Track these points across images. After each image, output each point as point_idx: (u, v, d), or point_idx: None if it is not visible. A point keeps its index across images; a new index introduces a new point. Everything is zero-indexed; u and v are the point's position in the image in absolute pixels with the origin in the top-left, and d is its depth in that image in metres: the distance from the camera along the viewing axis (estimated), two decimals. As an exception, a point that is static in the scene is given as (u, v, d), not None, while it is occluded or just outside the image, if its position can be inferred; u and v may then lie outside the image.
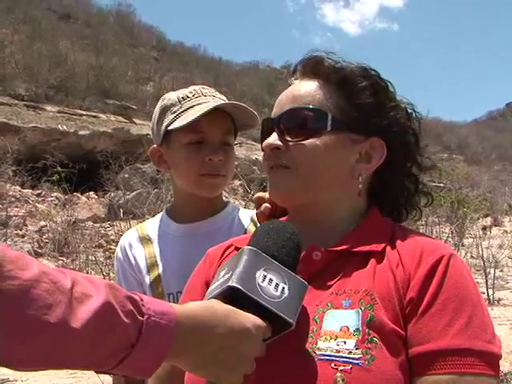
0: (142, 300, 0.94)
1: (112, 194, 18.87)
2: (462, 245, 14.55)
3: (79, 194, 20.30)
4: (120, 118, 29.95)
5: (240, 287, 1.03)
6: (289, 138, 1.29)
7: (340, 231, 1.29)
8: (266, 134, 1.35)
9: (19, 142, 22.28)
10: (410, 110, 1.38)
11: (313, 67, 1.35)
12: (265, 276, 1.06)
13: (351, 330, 1.09)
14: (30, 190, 19.68)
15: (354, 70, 1.33)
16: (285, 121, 1.30)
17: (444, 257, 1.16)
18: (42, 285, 0.83)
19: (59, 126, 25.52)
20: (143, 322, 0.91)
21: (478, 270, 13.44)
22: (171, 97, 2.00)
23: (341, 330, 1.10)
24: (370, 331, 1.08)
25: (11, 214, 15.40)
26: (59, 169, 16.98)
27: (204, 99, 1.95)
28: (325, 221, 1.31)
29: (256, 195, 1.67)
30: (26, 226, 15.65)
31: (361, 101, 1.30)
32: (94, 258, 11.74)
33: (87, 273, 12.23)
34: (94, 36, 41.03)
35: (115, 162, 18.92)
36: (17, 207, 16.86)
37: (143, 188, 18.59)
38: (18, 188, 19.14)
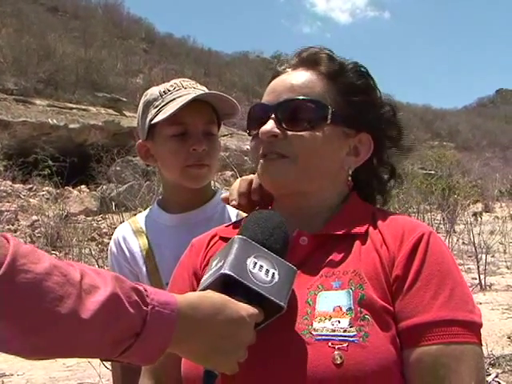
0: (146, 291, 0.98)
1: (104, 187, 18.82)
2: (454, 231, 14.61)
3: (71, 188, 20.25)
4: (110, 111, 29.84)
5: (232, 274, 1.07)
6: (287, 127, 1.31)
7: (325, 217, 1.34)
8: (257, 121, 1.36)
9: (9, 137, 22.21)
10: (394, 108, 1.45)
11: (309, 59, 1.38)
12: (255, 263, 1.11)
13: (344, 309, 1.14)
14: (22, 185, 19.62)
15: (349, 67, 1.38)
16: (284, 110, 1.31)
17: (424, 235, 1.23)
18: (54, 278, 0.87)
19: (49, 120, 25.42)
20: (147, 311, 0.95)
21: (469, 256, 13.49)
22: (153, 92, 2.04)
23: (334, 310, 1.15)
24: (362, 309, 1.14)
25: (3, 209, 15.39)
26: (50, 163, 16.90)
27: (184, 91, 1.98)
28: (312, 208, 1.35)
29: (223, 196, 1.70)
30: (18, 220, 15.62)
31: (354, 97, 1.35)
32: (87, 252, 11.73)
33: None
34: (82, 29, 40.72)
35: (106, 155, 18.90)
36: (8, 202, 16.81)
37: (135, 180, 18.56)
38: (9, 183, 19.08)
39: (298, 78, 1.35)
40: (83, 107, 29.25)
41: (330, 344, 1.10)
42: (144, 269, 2.05)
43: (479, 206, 23.05)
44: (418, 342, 1.13)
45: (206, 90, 2.05)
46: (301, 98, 1.31)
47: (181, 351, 1.06)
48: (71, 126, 25.95)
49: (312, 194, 1.34)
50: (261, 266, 1.11)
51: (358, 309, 1.14)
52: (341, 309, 1.14)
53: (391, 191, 1.51)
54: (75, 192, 20.46)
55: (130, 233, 2.13)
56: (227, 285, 1.09)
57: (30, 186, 19.81)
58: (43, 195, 18.98)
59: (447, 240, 11.08)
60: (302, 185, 1.32)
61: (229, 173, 20.47)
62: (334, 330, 1.12)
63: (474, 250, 12.42)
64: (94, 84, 32.33)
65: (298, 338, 1.14)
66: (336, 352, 1.09)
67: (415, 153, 1.58)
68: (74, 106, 29.00)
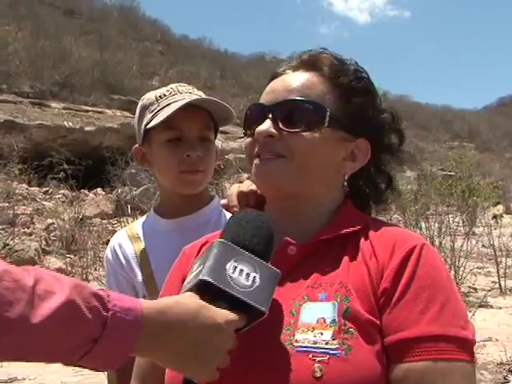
0: (108, 296, 0.97)
1: (119, 190, 18.88)
2: (473, 234, 14.48)
3: (86, 191, 20.36)
4: (126, 113, 29.98)
5: (210, 280, 1.06)
6: (284, 128, 1.28)
7: (318, 224, 1.32)
8: (253, 120, 1.35)
9: (25, 140, 22.41)
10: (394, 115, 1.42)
11: (311, 61, 1.37)
12: (235, 267, 1.09)
13: (328, 321, 1.12)
14: (37, 188, 19.76)
15: (350, 70, 1.36)
16: (282, 110, 1.30)
17: (416, 247, 1.19)
18: (3, 283, 0.88)
19: (65, 123, 25.64)
20: (107, 317, 0.94)
21: (489, 259, 13.38)
22: (150, 96, 2.05)
23: (317, 321, 1.13)
24: (346, 322, 1.11)
25: (18, 212, 15.48)
26: (65, 166, 17.00)
27: (180, 96, 1.98)
28: (305, 213, 1.33)
29: (223, 202, 1.69)
30: (33, 224, 15.71)
31: (355, 101, 1.33)
32: (101, 255, 11.77)
33: (95, 269, 12.29)
34: (98, 31, 41.03)
35: (122, 158, 18.97)
36: (24, 205, 16.93)
37: (150, 183, 18.58)
38: (25, 186, 19.23)
39: (298, 79, 1.33)
40: (99, 110, 29.48)
41: (310, 356, 1.08)
42: (139, 275, 2.04)
43: (500, 208, 22.83)
44: (404, 358, 1.10)
45: (203, 95, 2.05)
46: (299, 98, 1.30)
47: (152, 357, 1.06)
48: (87, 128, 26.16)
49: (306, 198, 1.32)
50: (241, 270, 1.09)
51: (343, 321, 1.11)
52: (324, 321, 1.12)
53: (386, 201, 1.47)
54: (91, 195, 20.58)
55: (125, 239, 2.13)
56: (208, 289, 1.07)
57: (46, 189, 19.95)
58: (59, 198, 19.09)
59: (466, 243, 10.99)
60: (296, 187, 1.30)
61: (245, 175, 20.46)
62: (315, 342, 1.10)
63: (493, 252, 12.31)
64: (110, 86, 32.54)
65: (278, 349, 1.12)
66: (316, 365, 1.07)
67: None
68: (90, 108, 29.23)
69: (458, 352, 1.09)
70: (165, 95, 2.00)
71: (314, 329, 1.12)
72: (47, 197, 19.45)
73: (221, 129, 2.13)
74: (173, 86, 2.06)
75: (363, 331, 1.11)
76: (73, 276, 11.94)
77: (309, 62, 1.36)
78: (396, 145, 1.42)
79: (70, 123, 25.87)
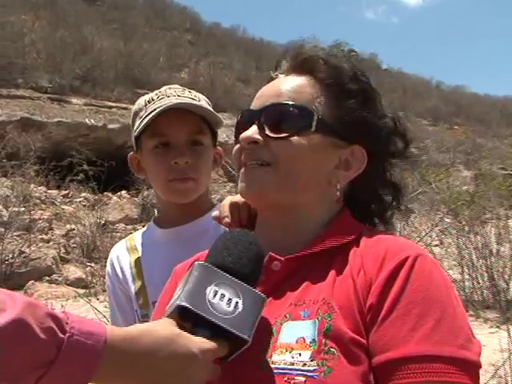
0: (67, 319, 0.99)
1: (145, 193, 18.99)
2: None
3: (110, 194, 20.53)
4: (152, 109, 30.23)
5: (188, 305, 1.08)
6: (269, 133, 1.32)
7: (309, 237, 1.33)
8: (242, 126, 1.38)
9: (43, 139, 22.66)
10: (396, 122, 1.43)
11: (303, 63, 1.41)
12: (216, 291, 1.11)
13: (307, 341, 1.14)
14: (56, 191, 19.97)
15: (346, 72, 1.38)
16: (267, 115, 1.35)
17: (409, 258, 1.18)
18: None
19: (86, 120, 25.95)
20: (64, 339, 0.95)
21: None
22: (140, 101, 2.10)
23: (297, 341, 1.14)
24: (327, 341, 1.12)
25: (35, 217, 15.61)
26: (85, 167, 17.14)
27: (166, 100, 2.00)
28: (296, 226, 1.36)
29: (214, 214, 1.68)
30: (51, 229, 15.88)
31: (349, 105, 1.36)
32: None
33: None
34: (121, 20, 41.54)
35: (147, 158, 19.09)
36: (41, 210, 17.09)
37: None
38: (44, 189, 19.44)
39: (288, 83, 1.38)
40: (123, 106, 29.71)
41: (286, 378, 1.09)
42: (132, 287, 2.09)
43: None
44: (391, 380, 1.07)
45: (197, 97, 2.07)
46: (284, 102, 1.34)
47: None
48: (110, 126, 26.44)
49: (295, 209, 1.34)
50: (222, 295, 1.11)
51: (323, 341, 1.12)
52: (304, 340, 1.13)
53: (392, 217, 1.48)
54: (114, 198, 20.75)
55: (123, 251, 2.19)
56: (188, 314, 1.09)
57: (66, 191, 20.15)
58: (80, 202, 19.28)
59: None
60: (283, 196, 1.32)
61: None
62: (292, 363, 1.11)
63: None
64: (135, 80, 32.81)
65: (254, 371, 1.13)
66: None
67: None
68: (114, 104, 29.54)
69: (455, 374, 1.06)
70: (153, 99, 2.04)
71: (292, 349, 1.13)
72: (67, 200, 19.67)
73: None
74: (162, 89, 2.10)
75: (346, 351, 1.10)
76: (93, 286, 12.09)
77: (301, 65, 1.41)
78: (400, 151, 1.43)
79: (92, 120, 26.19)
